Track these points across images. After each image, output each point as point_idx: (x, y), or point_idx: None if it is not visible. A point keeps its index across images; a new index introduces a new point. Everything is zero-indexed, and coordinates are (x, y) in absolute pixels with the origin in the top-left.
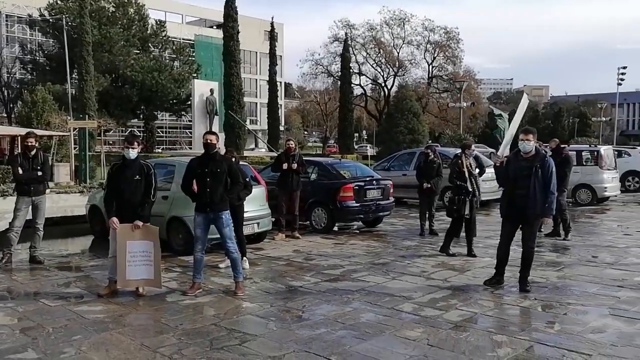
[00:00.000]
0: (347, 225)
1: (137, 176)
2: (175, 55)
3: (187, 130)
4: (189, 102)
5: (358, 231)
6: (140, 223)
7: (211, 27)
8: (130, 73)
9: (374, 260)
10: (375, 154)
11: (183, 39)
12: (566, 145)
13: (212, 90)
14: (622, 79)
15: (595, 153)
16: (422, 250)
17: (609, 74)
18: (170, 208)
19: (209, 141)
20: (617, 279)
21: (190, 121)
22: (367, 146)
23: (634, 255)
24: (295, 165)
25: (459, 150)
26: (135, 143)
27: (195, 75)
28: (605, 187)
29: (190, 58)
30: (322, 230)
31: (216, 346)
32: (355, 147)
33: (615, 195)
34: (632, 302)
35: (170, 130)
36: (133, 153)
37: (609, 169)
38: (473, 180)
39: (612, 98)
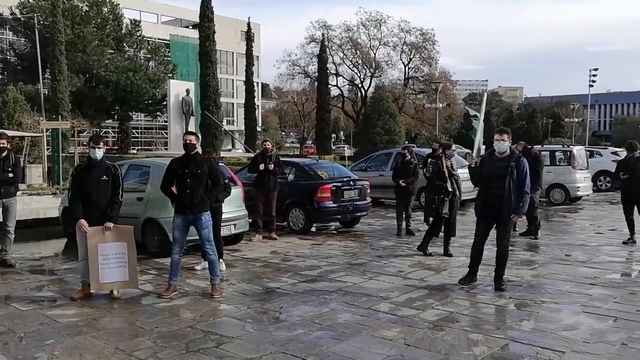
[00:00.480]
0: (324, 225)
1: (104, 176)
2: (150, 55)
3: (162, 131)
4: (165, 103)
5: (335, 232)
6: (111, 224)
7: (187, 27)
8: (105, 73)
9: (351, 260)
10: (352, 154)
11: (158, 39)
12: (533, 146)
13: (188, 91)
14: (593, 81)
15: (568, 153)
16: (399, 250)
17: (581, 75)
18: (146, 209)
19: (188, 141)
20: (590, 276)
21: (165, 122)
22: (344, 147)
23: (605, 253)
24: (272, 166)
25: (430, 150)
26: (101, 143)
27: (170, 75)
28: (578, 187)
29: (165, 58)
30: (300, 231)
31: (192, 349)
32: (333, 147)
33: (588, 195)
34: (604, 299)
35: (145, 131)
36: (99, 153)
37: (581, 169)
38: (453, 180)
39: (584, 99)
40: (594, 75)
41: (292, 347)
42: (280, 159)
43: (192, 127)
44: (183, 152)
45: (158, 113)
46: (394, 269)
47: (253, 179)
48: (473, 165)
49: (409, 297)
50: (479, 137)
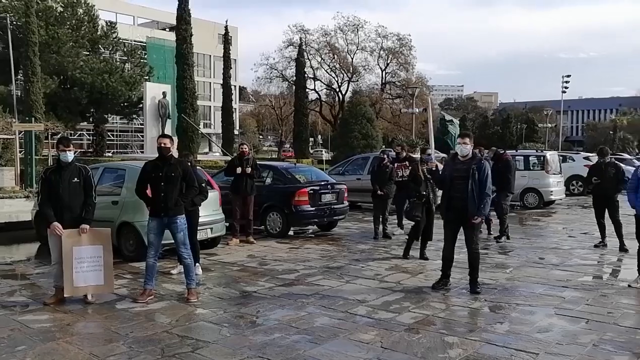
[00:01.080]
0: (302, 229)
1: (76, 179)
2: (126, 58)
3: (138, 134)
4: (141, 105)
5: (313, 235)
6: (87, 227)
7: (164, 29)
8: (80, 75)
9: (329, 264)
10: (330, 158)
11: (135, 41)
12: (505, 151)
13: (164, 93)
14: (566, 87)
15: (542, 158)
16: (375, 254)
17: (554, 82)
18: (121, 213)
19: (162, 144)
20: (563, 279)
21: (141, 124)
22: (322, 151)
23: (578, 256)
24: (249, 170)
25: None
26: (70, 145)
27: (147, 77)
28: (551, 191)
29: (142, 60)
30: (277, 235)
31: (168, 353)
32: (311, 151)
33: (561, 199)
34: (576, 301)
35: (121, 133)
36: (69, 156)
37: (554, 174)
38: (429, 184)
39: (557, 105)
40: (567, 82)
41: (268, 351)
42: (258, 162)
43: (168, 130)
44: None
45: (134, 116)
46: (371, 272)
47: (230, 182)
48: (434, 169)
49: (386, 300)
50: (432, 141)
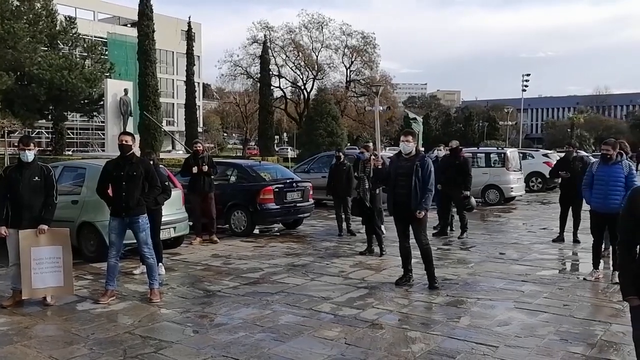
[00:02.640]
0: (267, 227)
1: (37, 177)
2: (86, 54)
3: (99, 132)
4: (102, 103)
5: (278, 233)
6: (45, 227)
7: (125, 25)
8: (38, 71)
9: (294, 261)
10: (295, 156)
11: (95, 37)
12: (462, 149)
13: (126, 90)
14: (526, 86)
15: (502, 155)
16: (340, 251)
17: (514, 80)
18: (81, 213)
19: (124, 142)
20: (522, 274)
21: (102, 122)
22: (287, 148)
23: (536, 251)
24: (205, 167)
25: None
26: (32, 144)
27: (108, 74)
28: (512, 188)
29: (102, 56)
30: (242, 234)
31: (130, 355)
32: (276, 149)
33: (521, 195)
34: (535, 295)
35: (81, 131)
36: (30, 155)
37: (514, 170)
38: (362, 182)
39: (518, 103)
40: (527, 80)
41: (233, 350)
42: (222, 160)
43: (130, 128)
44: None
45: (95, 113)
46: (336, 270)
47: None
48: (380, 167)
49: (350, 296)
50: (377, 137)
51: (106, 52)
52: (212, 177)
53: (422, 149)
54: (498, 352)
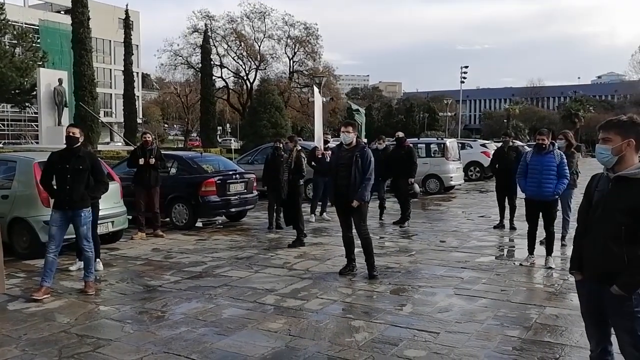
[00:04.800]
0: (210, 220)
1: None
2: (16, 41)
3: (32, 123)
4: (34, 93)
5: (222, 226)
6: None
7: (58, 11)
8: None
9: (238, 254)
10: (239, 147)
11: (26, 24)
12: (406, 139)
13: (60, 80)
14: (464, 77)
15: (442, 146)
16: (285, 242)
17: (453, 72)
18: (12, 208)
19: (71, 134)
20: (461, 260)
21: (36, 113)
22: (231, 139)
23: (475, 238)
24: (152, 160)
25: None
26: None
27: (40, 63)
28: (451, 177)
29: (34, 45)
30: (184, 227)
31: (66, 355)
32: (219, 140)
33: (460, 184)
34: (474, 281)
35: (13, 123)
36: None
37: (454, 160)
38: (282, 172)
39: (457, 94)
40: (465, 72)
41: (174, 346)
42: (162, 152)
43: (65, 119)
44: (55, 145)
45: (27, 104)
46: (280, 261)
47: (132, 173)
48: (320, 157)
49: (294, 287)
50: (318, 132)
51: (38, 40)
52: (160, 170)
53: (365, 140)
54: (439, 338)
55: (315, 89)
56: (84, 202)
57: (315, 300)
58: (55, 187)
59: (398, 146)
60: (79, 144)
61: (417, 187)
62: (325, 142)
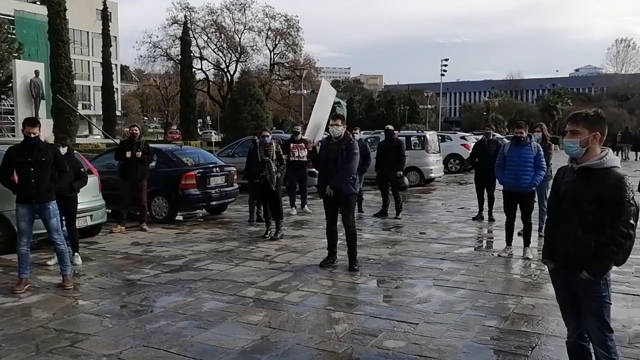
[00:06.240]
0: (190, 213)
1: None
2: None
3: (9, 116)
4: (10, 85)
5: (202, 219)
6: None
7: (34, 2)
8: None
9: (218, 247)
10: (220, 140)
11: (1, 14)
12: (394, 132)
13: (37, 72)
14: (445, 70)
15: (422, 138)
16: (266, 235)
17: (433, 65)
18: None
19: (32, 134)
20: (441, 252)
21: (12, 106)
22: (211, 132)
23: (454, 230)
24: (139, 154)
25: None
26: None
27: (16, 55)
28: (431, 169)
29: (10, 36)
30: (163, 220)
31: (43, 350)
32: (200, 133)
33: (440, 177)
34: (453, 272)
35: None
36: None
37: (434, 153)
38: (266, 165)
39: (437, 87)
40: (445, 65)
41: (154, 340)
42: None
43: (42, 112)
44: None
45: (3, 96)
46: (261, 254)
47: (113, 167)
48: (311, 149)
49: (275, 280)
50: (316, 123)
51: (13, 31)
52: (148, 164)
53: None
54: (418, 328)
55: (324, 81)
56: (50, 194)
57: (296, 292)
58: (17, 181)
59: (387, 138)
60: (37, 134)
61: (406, 181)
62: (296, 133)
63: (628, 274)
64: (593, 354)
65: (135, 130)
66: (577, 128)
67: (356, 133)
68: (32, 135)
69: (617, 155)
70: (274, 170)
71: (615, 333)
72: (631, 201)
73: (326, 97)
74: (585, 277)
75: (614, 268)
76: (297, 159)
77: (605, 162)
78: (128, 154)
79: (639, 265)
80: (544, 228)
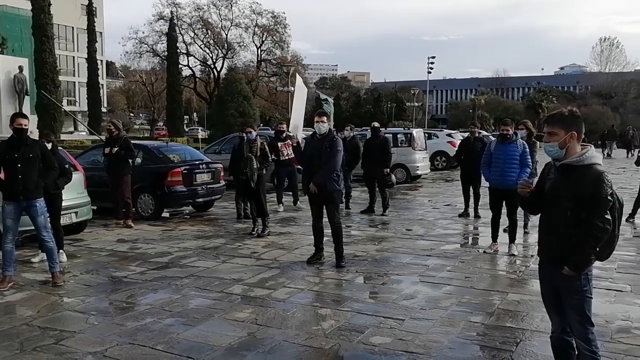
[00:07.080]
0: (176, 210)
1: None
2: None
3: None
4: None
5: (188, 216)
6: None
7: None
8: None
9: (205, 244)
10: (206, 136)
11: None
12: (380, 129)
13: (21, 68)
14: (431, 68)
15: (409, 135)
16: (253, 232)
17: (420, 63)
18: None
19: (23, 126)
20: (427, 248)
21: None
22: (198, 129)
23: (440, 227)
24: (115, 150)
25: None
26: None
27: (0, 50)
28: (418, 166)
29: None
30: (149, 217)
31: (27, 347)
32: (186, 129)
33: (426, 174)
34: (438, 268)
35: None
36: None
37: (420, 150)
38: (248, 161)
39: (424, 85)
40: (432, 63)
41: (140, 337)
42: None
43: (27, 108)
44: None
45: None
46: (248, 251)
47: (99, 163)
48: (295, 145)
49: (262, 277)
50: (296, 120)
51: None
52: (129, 160)
53: (334, 129)
54: (404, 325)
55: (298, 78)
56: (38, 190)
57: (283, 289)
58: (4, 178)
59: (373, 136)
60: (27, 133)
61: (393, 178)
62: (281, 132)
63: (611, 269)
64: (576, 349)
65: (109, 127)
66: (554, 129)
67: (347, 130)
68: (24, 127)
69: (602, 151)
70: (255, 167)
71: (598, 328)
72: (609, 197)
73: (300, 94)
74: (567, 272)
75: (597, 264)
76: (286, 157)
77: (585, 159)
78: (106, 150)
79: (622, 262)
80: (528, 224)
